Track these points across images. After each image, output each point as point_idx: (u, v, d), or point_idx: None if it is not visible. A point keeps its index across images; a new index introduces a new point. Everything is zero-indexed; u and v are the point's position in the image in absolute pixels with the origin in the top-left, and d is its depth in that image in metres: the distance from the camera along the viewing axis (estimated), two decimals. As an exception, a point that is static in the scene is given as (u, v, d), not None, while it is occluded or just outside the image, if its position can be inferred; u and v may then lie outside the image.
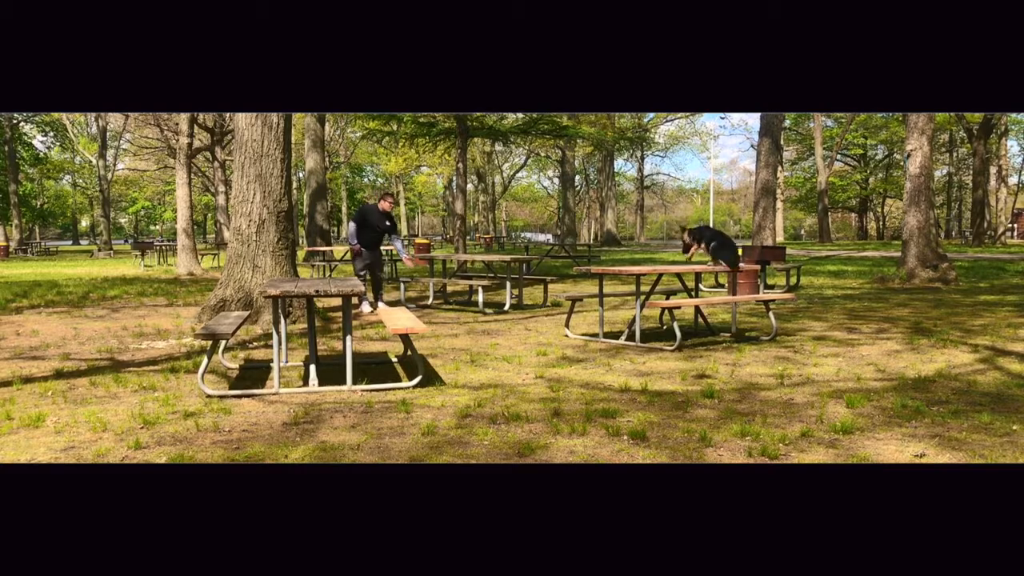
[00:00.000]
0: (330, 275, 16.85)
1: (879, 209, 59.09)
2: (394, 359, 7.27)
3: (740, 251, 13.46)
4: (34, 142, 49.17)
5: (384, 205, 11.06)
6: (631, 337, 8.20)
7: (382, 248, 12.03)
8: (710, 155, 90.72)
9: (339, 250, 22.56)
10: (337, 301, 11.54)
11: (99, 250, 40.32)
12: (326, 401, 5.52)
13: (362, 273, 11.05)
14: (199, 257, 20.72)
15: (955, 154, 50.31)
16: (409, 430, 4.71)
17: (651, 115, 49.34)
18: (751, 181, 40.55)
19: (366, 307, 10.96)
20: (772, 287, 14.69)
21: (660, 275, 8.65)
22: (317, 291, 5.86)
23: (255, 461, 4.12)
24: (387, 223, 11.05)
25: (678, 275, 9.18)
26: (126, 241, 60.18)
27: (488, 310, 11.18)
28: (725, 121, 76.88)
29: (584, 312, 10.76)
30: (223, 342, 6.76)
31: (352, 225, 11.02)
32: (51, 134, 50.77)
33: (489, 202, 61.05)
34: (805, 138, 52.17)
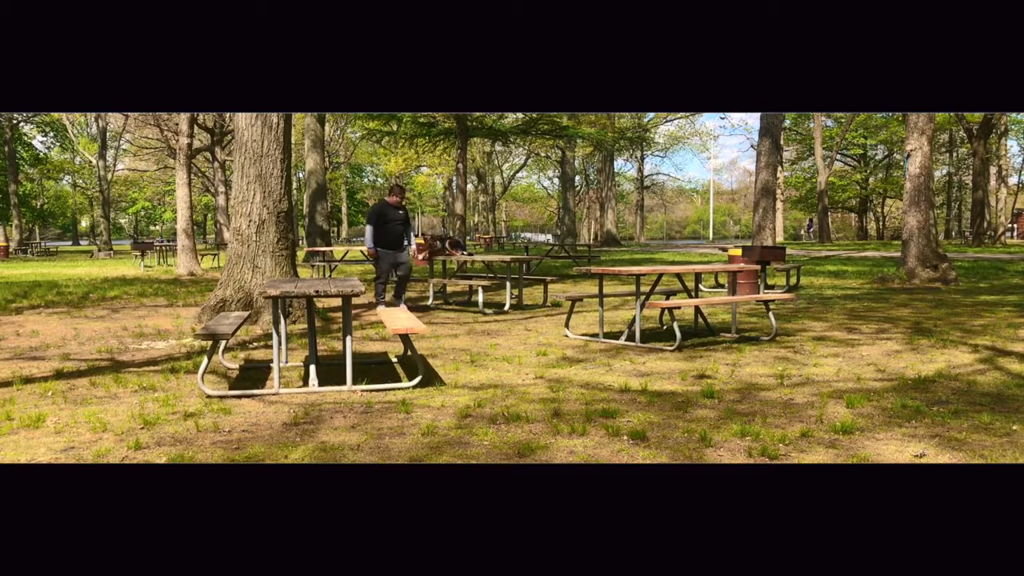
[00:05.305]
0: (330, 275, 16.86)
1: (879, 209, 59.08)
2: (394, 359, 7.27)
3: (740, 251, 13.49)
4: (34, 142, 49.18)
5: (393, 199, 10.77)
6: (631, 337, 8.20)
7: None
8: (710, 155, 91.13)
9: (339, 250, 22.57)
10: (337, 301, 11.53)
11: (99, 250, 40.31)
12: (326, 401, 5.52)
13: (383, 277, 10.67)
14: (199, 257, 20.72)
15: (955, 154, 50.28)
16: (409, 430, 4.71)
17: (651, 115, 49.35)
18: (751, 181, 40.52)
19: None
20: (772, 287, 14.69)
21: (660, 275, 8.65)
22: (317, 291, 5.86)
23: (255, 461, 4.12)
24: (400, 212, 10.71)
25: (678, 275, 9.18)
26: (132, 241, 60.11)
27: (488, 310, 11.17)
28: (725, 121, 77.04)
29: (584, 312, 10.76)
30: (223, 342, 6.76)
31: (369, 228, 10.59)
32: (51, 134, 50.77)
33: (489, 202, 61.02)
34: (805, 138, 52.15)
